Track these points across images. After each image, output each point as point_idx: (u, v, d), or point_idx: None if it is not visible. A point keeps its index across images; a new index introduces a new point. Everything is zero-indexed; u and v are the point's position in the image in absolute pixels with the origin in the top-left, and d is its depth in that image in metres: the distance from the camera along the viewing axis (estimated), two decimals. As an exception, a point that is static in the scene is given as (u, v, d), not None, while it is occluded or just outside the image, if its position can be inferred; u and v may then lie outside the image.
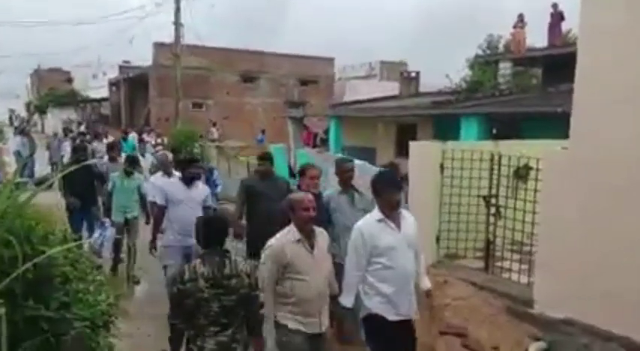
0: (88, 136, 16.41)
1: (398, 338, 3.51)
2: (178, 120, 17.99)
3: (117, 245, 7.09)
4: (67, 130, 16.78)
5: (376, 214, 3.57)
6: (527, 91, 13.24)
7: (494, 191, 5.72)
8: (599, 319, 3.88)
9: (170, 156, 7.00)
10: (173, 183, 5.64)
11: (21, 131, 14.62)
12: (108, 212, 7.11)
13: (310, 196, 3.49)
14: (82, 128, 22.17)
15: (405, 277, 3.52)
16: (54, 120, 35.60)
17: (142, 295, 6.80)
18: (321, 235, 3.53)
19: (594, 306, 3.93)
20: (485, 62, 16.36)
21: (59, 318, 2.56)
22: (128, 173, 6.99)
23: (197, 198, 5.47)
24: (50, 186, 9.19)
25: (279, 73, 25.41)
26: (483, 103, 11.09)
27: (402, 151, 11.48)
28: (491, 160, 5.70)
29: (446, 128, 10.94)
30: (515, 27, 15.78)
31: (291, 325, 3.39)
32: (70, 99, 37.07)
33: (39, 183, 8.96)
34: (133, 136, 16.99)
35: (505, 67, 15.26)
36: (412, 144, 6.24)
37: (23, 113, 46.02)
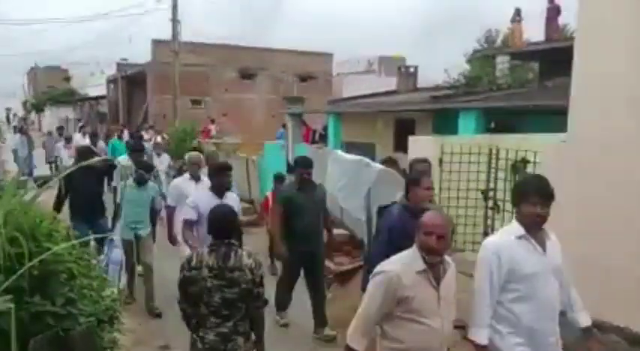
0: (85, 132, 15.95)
1: None
2: (177, 117, 17.99)
3: (128, 268, 6.05)
4: (60, 129, 15.98)
5: (516, 228, 2.81)
6: (524, 86, 13.26)
7: (492, 185, 5.77)
8: (597, 310, 3.93)
9: (202, 158, 6.20)
10: (204, 194, 4.86)
11: (19, 130, 14.66)
12: (114, 221, 6.18)
13: (440, 218, 2.68)
14: (80, 125, 22.09)
15: (550, 311, 2.81)
16: (52, 118, 35.56)
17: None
18: (451, 268, 2.80)
19: (592, 296, 3.97)
20: (483, 57, 16.36)
21: (65, 313, 2.60)
22: (140, 182, 5.96)
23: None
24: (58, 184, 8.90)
25: (278, 69, 25.38)
26: (481, 98, 11.11)
27: (401, 146, 11.51)
28: (489, 154, 5.75)
29: (444, 123, 10.97)
30: (512, 21, 15.79)
31: None
32: (68, 97, 37.03)
33: (38, 181, 9.01)
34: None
35: (503, 62, 15.26)
36: (411, 139, 6.29)
37: (20, 112, 45.95)
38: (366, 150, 11.38)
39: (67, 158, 12.51)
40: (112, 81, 30.99)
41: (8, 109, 44.26)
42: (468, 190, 5.80)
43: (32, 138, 14.40)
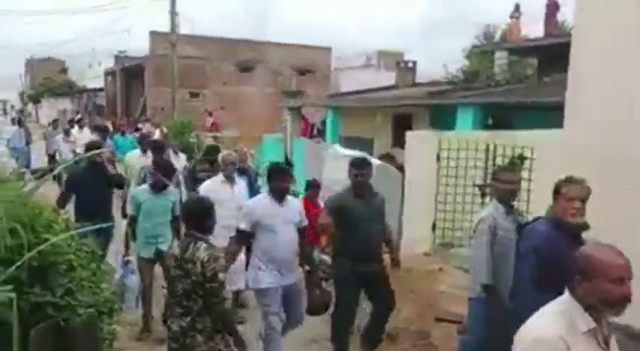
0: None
1: None
2: (175, 110, 17.97)
3: (146, 295, 4.95)
4: (55, 122, 15.24)
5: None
6: (522, 81, 13.26)
7: (489, 180, 5.80)
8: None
9: (236, 156, 5.55)
10: (261, 200, 4.21)
11: (18, 121, 14.59)
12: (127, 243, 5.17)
13: (620, 252, 1.93)
14: (77, 117, 21.98)
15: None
16: (49, 110, 35.45)
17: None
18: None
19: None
20: (482, 52, 16.34)
21: (64, 304, 2.63)
22: (159, 188, 4.98)
23: (293, 218, 4.12)
24: (54, 178, 8.61)
25: (276, 63, 25.33)
26: (479, 93, 11.11)
27: (399, 141, 11.53)
28: (487, 149, 5.77)
29: (442, 118, 10.98)
30: (511, 17, 15.79)
31: None
32: (65, 89, 36.92)
33: (36, 173, 9.00)
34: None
35: (501, 57, 15.26)
36: (409, 134, 6.32)
37: (17, 103, 45.76)
38: (365, 145, 11.40)
39: (66, 152, 12.26)
40: (109, 73, 30.88)
41: (4, 101, 44.06)
42: (465, 185, 5.83)
43: (29, 130, 14.34)
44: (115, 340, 3.19)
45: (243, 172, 6.11)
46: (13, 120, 16.03)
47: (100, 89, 32.46)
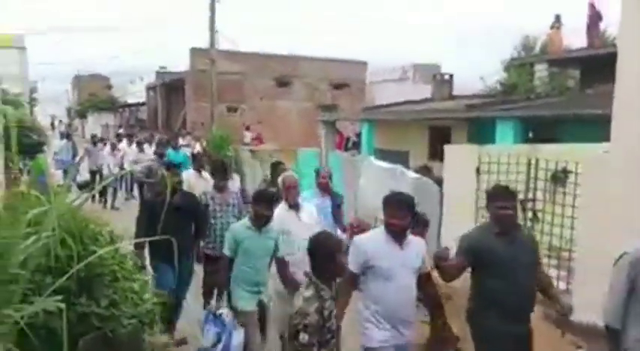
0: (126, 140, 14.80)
1: None
2: (214, 124, 18.33)
3: None
4: (95, 138, 14.51)
5: None
6: (563, 94, 12.95)
7: (531, 195, 5.66)
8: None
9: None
10: (374, 236, 3.41)
11: (66, 136, 15.14)
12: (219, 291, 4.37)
13: None
14: (122, 131, 22.66)
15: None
16: (94, 124, 36.80)
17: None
18: None
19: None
20: (521, 64, 16.07)
21: (109, 315, 2.69)
22: (261, 223, 4.05)
23: (414, 262, 3.35)
24: (94, 195, 8.59)
25: (312, 77, 25.58)
26: (519, 106, 10.91)
27: (436, 154, 11.40)
28: (528, 163, 5.64)
29: (481, 132, 10.81)
30: (552, 28, 15.48)
31: None
32: (109, 104, 38.31)
33: (81, 186, 9.32)
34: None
35: (541, 69, 14.96)
36: (447, 147, 6.23)
37: (64, 118, 47.68)
38: (400, 158, 11.32)
39: (112, 166, 12.29)
40: (151, 88, 31.86)
41: (53, 116, 45.98)
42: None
43: (76, 144, 14.87)
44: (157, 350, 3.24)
45: (325, 191, 5.33)
46: (61, 134, 16.49)
47: (142, 104, 33.51)
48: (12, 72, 17.87)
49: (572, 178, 5.14)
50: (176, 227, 3.88)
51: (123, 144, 13.54)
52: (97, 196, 11.79)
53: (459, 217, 5.56)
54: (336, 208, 5.33)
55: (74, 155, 13.69)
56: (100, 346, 2.43)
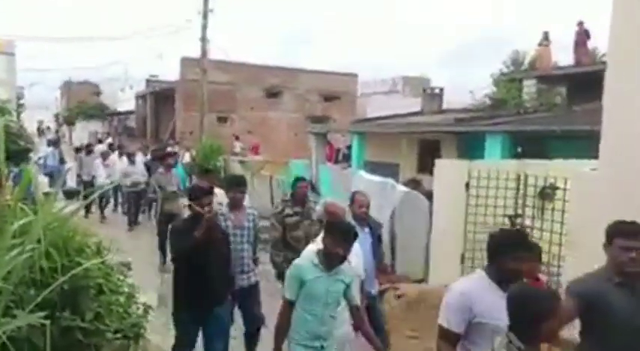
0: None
1: None
2: (203, 134, 18.27)
3: None
4: (90, 147, 13.99)
5: None
6: (551, 109, 13.12)
7: (519, 211, 5.68)
8: None
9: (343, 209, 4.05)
10: (478, 283, 2.65)
11: (53, 143, 14.95)
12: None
13: None
14: (109, 141, 22.41)
15: None
16: (82, 132, 36.48)
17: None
18: None
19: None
20: (510, 79, 16.27)
21: (93, 329, 2.64)
22: (334, 263, 3.23)
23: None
24: (88, 207, 8.44)
25: (303, 89, 25.68)
26: (508, 121, 11.02)
27: (425, 167, 11.44)
28: (517, 179, 5.67)
29: (469, 146, 10.89)
30: (540, 45, 15.73)
31: None
32: (98, 111, 38.05)
33: (67, 193, 9.17)
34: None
35: (529, 85, 15.16)
36: (438, 162, 6.25)
37: (52, 124, 47.26)
38: (390, 170, 11.35)
39: (104, 177, 11.68)
40: (140, 97, 31.72)
41: (41, 122, 45.54)
42: (495, 215, 5.72)
43: (62, 151, 14.70)
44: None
45: (363, 219, 4.36)
46: (49, 142, 16.15)
47: (131, 112, 33.32)
48: (0, 77, 17.74)
49: (559, 194, 5.18)
50: (207, 263, 3.48)
51: (113, 156, 12.93)
52: (96, 207, 11.59)
53: (449, 231, 5.57)
54: (376, 242, 4.51)
55: (61, 162, 13.53)
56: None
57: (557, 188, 5.36)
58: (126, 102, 34.45)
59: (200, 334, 3.96)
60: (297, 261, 3.37)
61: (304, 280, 3.22)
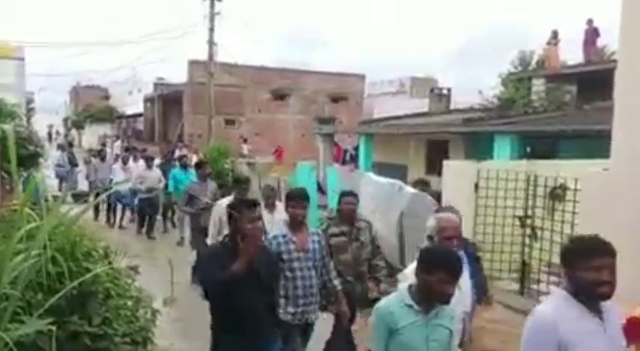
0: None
1: None
2: (211, 136, 18.32)
3: None
4: (103, 153, 13.23)
5: None
6: (560, 109, 13.01)
7: (529, 212, 5.63)
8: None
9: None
10: (563, 305, 2.23)
11: (62, 148, 15.07)
12: None
13: None
14: (118, 144, 22.41)
15: None
16: (91, 135, 36.72)
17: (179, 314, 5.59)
18: None
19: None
20: (519, 79, 16.17)
21: (101, 334, 2.63)
22: (433, 303, 2.45)
23: (620, 340, 2.29)
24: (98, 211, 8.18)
25: (310, 90, 25.69)
26: (516, 121, 10.94)
27: (433, 168, 11.38)
28: (527, 180, 5.62)
29: (478, 146, 10.81)
30: (548, 43, 15.60)
31: None
32: (107, 115, 38.29)
33: (76, 196, 9.20)
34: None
35: (538, 84, 15.05)
36: (446, 163, 6.22)
37: (61, 129, 47.64)
38: (398, 172, 11.30)
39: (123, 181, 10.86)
40: (148, 100, 31.87)
41: (50, 126, 45.93)
42: (504, 216, 5.67)
43: (74, 154, 14.83)
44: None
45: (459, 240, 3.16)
46: (59, 146, 16.04)
47: (139, 115, 33.49)
48: (9, 82, 17.91)
49: (569, 194, 5.12)
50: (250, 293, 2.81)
51: (131, 162, 11.91)
52: (109, 214, 11.21)
53: (458, 232, 5.51)
54: (474, 263, 3.71)
55: (73, 165, 13.63)
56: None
57: (567, 189, 5.31)
58: (134, 105, 34.62)
59: None
60: (383, 302, 2.57)
61: (395, 329, 2.44)
